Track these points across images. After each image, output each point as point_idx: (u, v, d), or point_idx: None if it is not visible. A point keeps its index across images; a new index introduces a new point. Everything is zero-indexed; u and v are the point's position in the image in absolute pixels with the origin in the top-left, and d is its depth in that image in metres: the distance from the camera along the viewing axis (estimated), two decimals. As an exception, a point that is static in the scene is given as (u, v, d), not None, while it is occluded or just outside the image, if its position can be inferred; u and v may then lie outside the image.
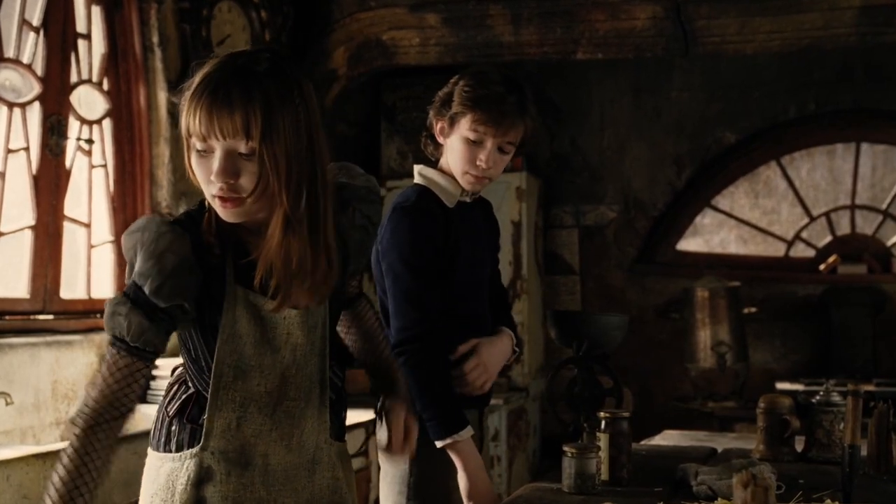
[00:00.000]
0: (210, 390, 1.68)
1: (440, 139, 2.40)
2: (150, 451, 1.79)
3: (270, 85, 1.58)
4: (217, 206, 1.61)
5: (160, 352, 1.67)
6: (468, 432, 2.24)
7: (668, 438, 3.39)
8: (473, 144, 2.32)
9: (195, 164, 1.61)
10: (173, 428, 1.73)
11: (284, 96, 1.59)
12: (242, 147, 1.57)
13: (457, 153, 2.34)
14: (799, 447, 2.67)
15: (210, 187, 1.60)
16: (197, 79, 1.60)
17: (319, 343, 1.77)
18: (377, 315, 2.13)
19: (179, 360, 1.80)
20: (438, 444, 2.24)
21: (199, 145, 1.58)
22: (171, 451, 1.72)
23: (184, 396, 1.74)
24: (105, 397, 1.61)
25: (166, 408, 1.76)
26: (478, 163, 2.32)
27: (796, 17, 4.35)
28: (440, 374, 2.29)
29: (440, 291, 2.34)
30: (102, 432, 1.61)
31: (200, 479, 1.69)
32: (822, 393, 2.65)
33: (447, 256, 2.35)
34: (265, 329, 1.68)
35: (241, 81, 1.57)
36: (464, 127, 2.31)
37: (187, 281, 1.61)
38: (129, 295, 1.62)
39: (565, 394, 2.59)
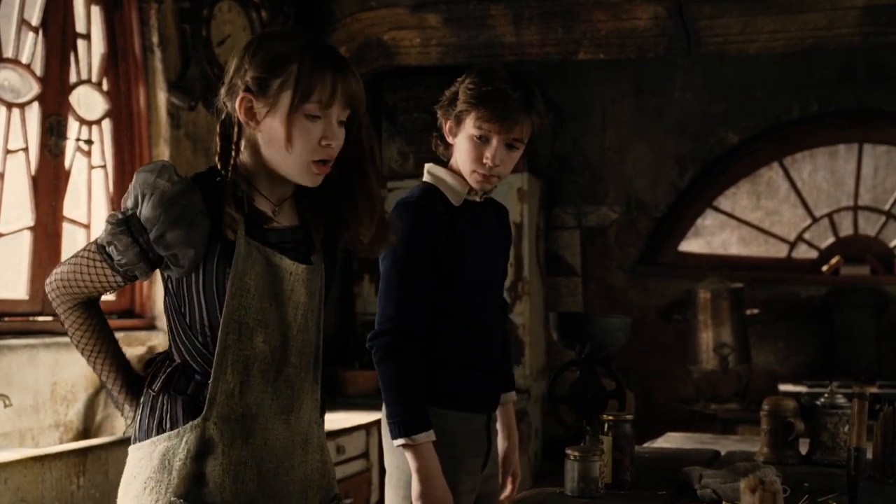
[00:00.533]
0: (216, 350, 1.67)
1: (449, 139, 2.38)
2: (132, 448, 1.76)
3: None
4: (311, 171, 1.70)
5: (136, 279, 1.75)
6: (427, 437, 2.19)
7: (670, 441, 3.38)
8: (479, 142, 2.29)
9: (302, 130, 1.67)
10: (163, 406, 1.72)
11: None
12: (343, 115, 1.71)
13: (464, 151, 2.32)
14: (803, 450, 2.65)
15: (313, 150, 1.68)
16: (297, 50, 1.67)
17: (316, 314, 1.80)
18: None
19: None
20: (395, 442, 2.21)
21: (315, 111, 1.67)
22: (164, 431, 1.70)
23: (168, 370, 1.74)
24: (80, 289, 1.75)
25: (150, 387, 1.76)
26: (484, 160, 2.29)
27: (799, 17, 4.34)
28: (409, 372, 2.25)
29: (440, 291, 2.31)
30: (86, 310, 1.79)
31: (200, 453, 1.67)
32: (826, 395, 2.63)
33: (452, 255, 2.32)
34: (272, 282, 1.71)
35: (340, 55, 1.73)
36: (469, 125, 2.30)
37: (191, 233, 1.65)
38: (132, 229, 1.67)
39: (568, 396, 2.57)
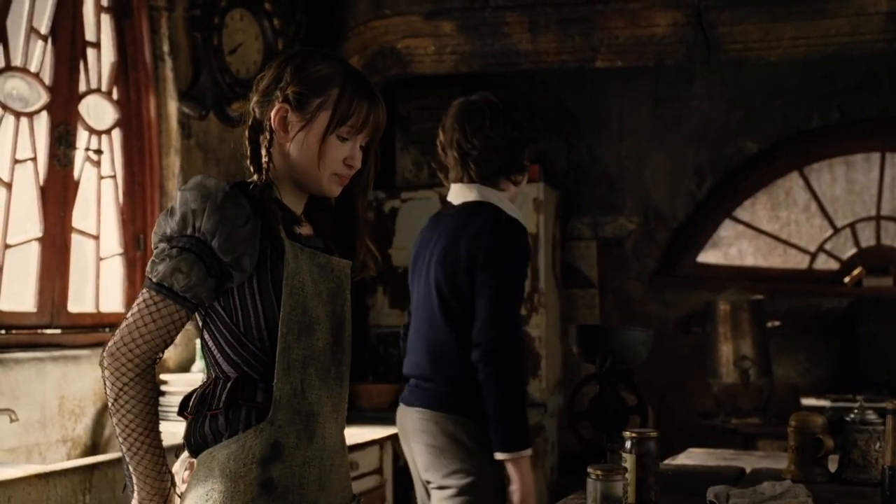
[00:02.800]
0: (278, 350, 1.70)
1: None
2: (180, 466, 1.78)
3: None
4: (332, 181, 1.82)
5: (198, 308, 1.73)
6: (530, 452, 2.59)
7: (693, 457, 3.29)
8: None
9: (333, 147, 1.78)
10: (220, 421, 1.71)
11: None
12: (365, 140, 1.84)
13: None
14: (831, 467, 2.56)
15: (337, 167, 1.80)
16: (340, 76, 1.80)
17: (349, 317, 1.87)
18: None
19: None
20: (513, 455, 2.63)
21: (346, 133, 1.79)
22: (223, 440, 1.69)
23: (229, 386, 1.72)
24: (147, 342, 1.67)
25: (208, 409, 1.72)
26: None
27: (822, 23, 4.25)
28: (522, 388, 2.66)
29: None
30: (151, 377, 1.69)
31: (267, 457, 1.67)
32: (856, 411, 2.54)
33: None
34: (319, 280, 1.78)
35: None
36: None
37: (249, 236, 1.70)
38: (190, 248, 1.67)
39: (587, 411, 2.50)
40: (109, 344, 1.69)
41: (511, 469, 2.65)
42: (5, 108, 3.33)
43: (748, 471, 2.80)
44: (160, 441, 1.72)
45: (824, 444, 2.52)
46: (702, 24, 4.34)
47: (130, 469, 1.72)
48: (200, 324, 1.78)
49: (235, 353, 1.74)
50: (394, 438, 4.14)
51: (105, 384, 1.69)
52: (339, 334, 1.83)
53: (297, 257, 1.74)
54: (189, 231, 1.68)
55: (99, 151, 3.72)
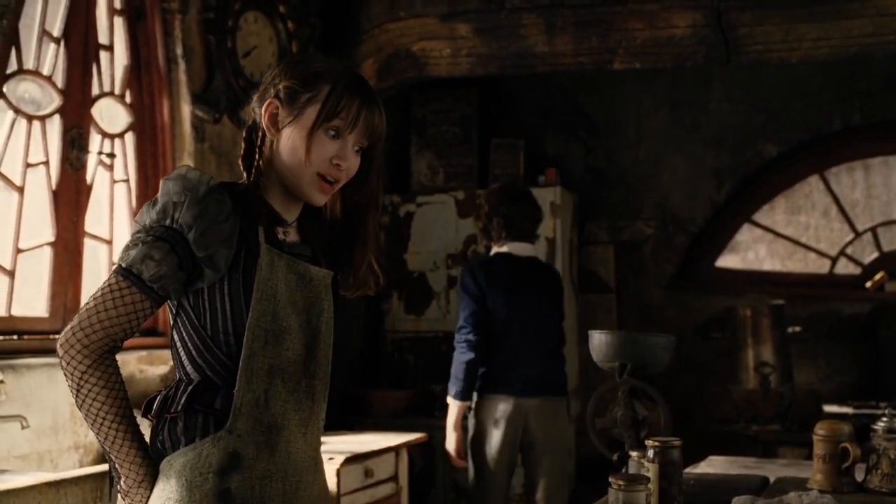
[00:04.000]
0: (242, 357, 1.63)
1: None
2: None
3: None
4: (317, 184, 1.73)
5: (165, 301, 1.66)
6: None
7: (714, 465, 3.23)
8: None
9: (318, 142, 1.71)
10: (178, 425, 1.65)
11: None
12: (360, 144, 1.76)
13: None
14: (858, 476, 2.50)
15: (323, 165, 1.72)
16: (333, 73, 1.74)
17: (330, 331, 1.80)
18: None
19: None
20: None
21: (336, 128, 1.72)
22: (180, 447, 1.63)
23: (189, 389, 1.65)
24: (105, 329, 1.61)
25: (168, 412, 1.66)
26: None
27: (844, 24, 4.18)
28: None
29: None
30: (111, 364, 1.63)
31: (224, 467, 1.61)
32: (885, 419, 2.48)
33: None
34: (295, 288, 1.72)
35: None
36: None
37: (227, 234, 1.64)
38: (165, 238, 1.62)
39: (608, 419, 2.44)
40: (65, 329, 1.63)
41: None
42: (18, 111, 3.31)
43: (772, 480, 2.73)
44: (136, 427, 1.66)
45: (851, 453, 2.45)
46: (721, 26, 4.28)
47: (112, 458, 1.67)
48: (171, 322, 1.71)
49: (200, 357, 1.67)
50: (409, 445, 4.09)
51: (64, 374, 1.63)
52: (314, 346, 1.75)
53: (272, 263, 1.68)
54: (167, 222, 1.63)
55: (112, 155, 3.69)
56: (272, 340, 1.67)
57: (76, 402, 1.64)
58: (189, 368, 1.69)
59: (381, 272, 1.89)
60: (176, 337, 1.70)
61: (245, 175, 1.75)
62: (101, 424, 1.63)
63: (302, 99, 1.72)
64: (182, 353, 1.69)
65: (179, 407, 1.65)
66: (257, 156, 1.74)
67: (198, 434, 1.63)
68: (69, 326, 1.62)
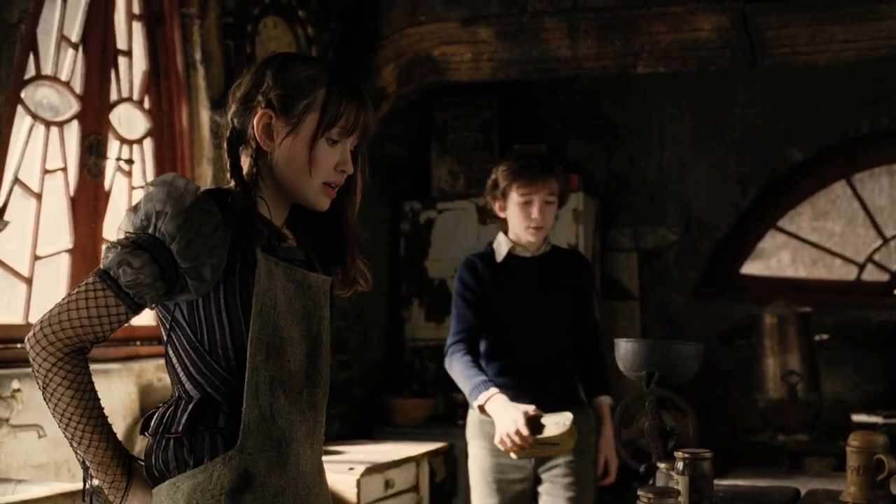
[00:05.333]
0: (247, 371, 1.58)
1: (501, 214, 3.17)
2: (154, 491, 1.63)
3: None
4: (322, 193, 1.70)
5: (142, 309, 1.61)
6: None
7: (742, 477, 3.16)
8: (525, 205, 3.08)
9: (323, 152, 1.67)
10: (184, 445, 1.60)
11: None
12: (354, 145, 1.73)
13: (514, 217, 3.12)
14: (893, 489, 2.43)
15: (328, 174, 1.69)
16: (326, 76, 1.68)
17: (328, 338, 1.76)
18: None
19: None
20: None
21: (336, 136, 1.68)
22: (188, 469, 1.58)
23: (190, 408, 1.61)
24: (74, 328, 1.56)
25: (168, 432, 1.60)
26: (533, 217, 3.07)
27: (872, 25, 4.10)
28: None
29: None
30: (78, 363, 1.58)
31: (236, 488, 1.57)
32: (921, 430, 2.41)
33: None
34: (294, 297, 1.67)
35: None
36: (514, 195, 3.09)
37: (214, 243, 1.58)
38: (146, 247, 1.56)
39: (635, 430, 2.38)
40: (35, 323, 1.59)
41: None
42: (35, 117, 3.29)
43: (803, 492, 2.67)
44: (107, 427, 1.63)
45: (887, 465, 2.38)
46: (747, 28, 4.21)
47: (81, 458, 1.63)
48: (164, 338, 1.66)
49: (199, 373, 1.62)
50: (430, 455, 4.03)
51: (32, 370, 1.60)
52: (315, 355, 1.71)
53: (271, 272, 1.62)
54: (150, 230, 1.57)
55: (130, 161, 3.67)
56: (274, 353, 1.62)
57: (44, 399, 1.60)
58: (188, 385, 1.63)
59: (367, 268, 1.82)
60: (171, 353, 1.64)
61: (234, 185, 1.67)
62: (69, 423, 1.60)
63: (299, 107, 1.65)
64: (179, 370, 1.64)
65: (181, 427, 1.60)
66: (255, 169, 1.66)
67: (206, 455, 1.58)
68: (38, 321, 1.59)
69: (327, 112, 1.66)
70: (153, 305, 1.62)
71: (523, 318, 3.12)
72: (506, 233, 3.19)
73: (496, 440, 2.88)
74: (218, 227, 1.58)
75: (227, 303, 1.60)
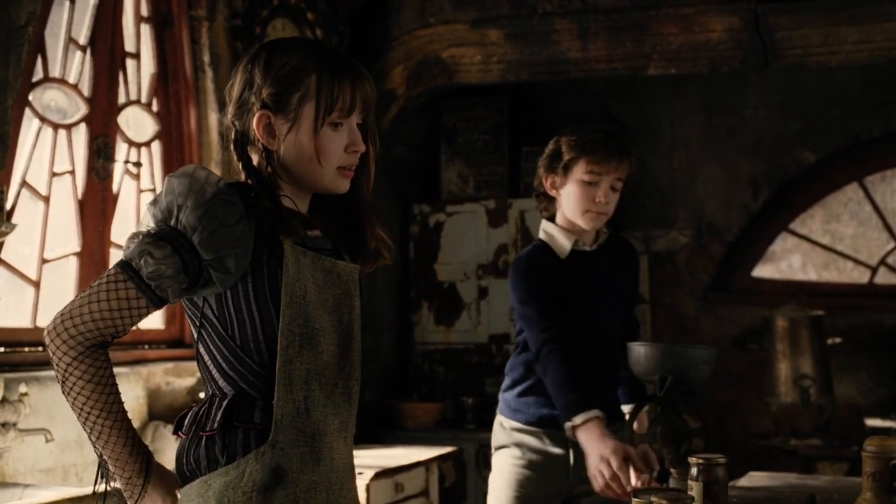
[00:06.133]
0: (278, 365, 1.56)
1: (553, 193, 2.67)
2: (181, 491, 1.60)
3: None
4: (339, 177, 1.67)
5: (164, 303, 1.57)
6: None
7: (755, 481, 3.12)
8: (589, 186, 2.59)
9: (328, 138, 1.64)
10: (218, 444, 1.56)
11: None
12: (360, 119, 1.68)
13: (574, 197, 2.61)
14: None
15: (340, 158, 1.65)
16: (313, 61, 1.63)
17: (359, 329, 1.73)
18: None
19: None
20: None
21: (337, 118, 1.63)
22: (219, 467, 1.55)
23: (224, 405, 1.57)
24: (94, 321, 1.52)
25: (202, 430, 1.58)
26: (597, 200, 2.60)
27: (886, 26, 4.07)
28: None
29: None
30: (98, 357, 1.55)
31: (268, 484, 1.54)
32: (937, 435, 2.37)
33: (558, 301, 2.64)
34: (324, 287, 1.64)
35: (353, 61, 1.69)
36: (579, 172, 2.59)
37: (239, 236, 1.54)
38: (167, 239, 1.53)
39: (648, 434, 2.36)
40: (55, 315, 1.56)
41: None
42: (43, 119, 3.28)
43: (818, 497, 2.63)
44: (126, 422, 1.59)
45: (903, 471, 2.35)
46: (759, 29, 4.18)
47: (104, 456, 1.60)
48: (195, 335, 1.63)
49: (231, 369, 1.59)
50: (440, 459, 4.01)
51: (52, 364, 1.56)
52: (348, 346, 1.67)
53: (298, 262, 1.59)
54: (172, 222, 1.54)
55: (138, 164, 3.66)
56: (308, 344, 1.59)
57: (63, 392, 1.56)
58: (221, 382, 1.60)
59: (388, 238, 1.79)
60: (203, 351, 1.61)
61: (252, 181, 1.64)
62: (87, 418, 1.56)
63: (293, 101, 1.61)
64: (212, 367, 1.61)
65: (216, 424, 1.57)
66: (269, 169, 1.63)
67: (239, 451, 1.55)
68: (58, 313, 1.55)
69: (322, 99, 1.61)
70: (174, 300, 1.58)
71: (588, 321, 2.68)
72: (552, 219, 2.71)
73: (590, 473, 2.42)
74: (241, 218, 1.55)
75: (256, 295, 1.57)
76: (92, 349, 1.54)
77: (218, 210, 1.53)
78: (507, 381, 2.75)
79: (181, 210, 1.53)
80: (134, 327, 1.59)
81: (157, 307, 1.57)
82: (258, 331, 1.57)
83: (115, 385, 1.58)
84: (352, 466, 1.72)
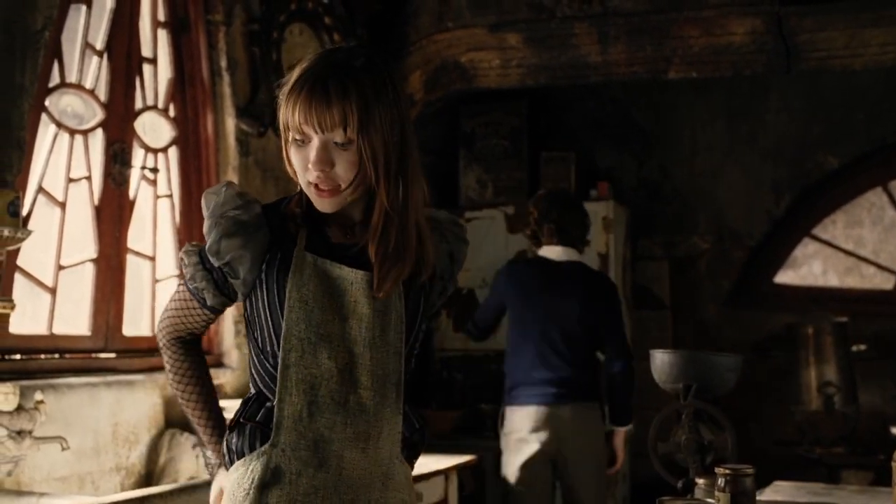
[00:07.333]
0: (279, 368, 1.63)
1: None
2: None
3: (366, 79, 1.63)
4: (313, 194, 1.66)
5: (215, 309, 1.76)
6: None
7: (781, 492, 3.06)
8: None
9: (293, 154, 1.66)
10: (234, 439, 1.69)
11: (379, 90, 1.64)
12: (339, 137, 1.62)
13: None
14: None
15: (307, 174, 1.65)
16: (295, 73, 1.65)
17: (395, 339, 1.71)
18: None
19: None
20: (628, 427, 3.94)
21: (297, 136, 1.64)
22: (235, 459, 1.68)
23: (242, 401, 1.72)
24: (170, 318, 1.80)
25: (229, 423, 1.74)
26: None
27: (911, 28, 4.00)
28: None
29: None
30: (179, 348, 1.82)
31: (265, 483, 1.62)
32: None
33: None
34: (332, 294, 1.67)
35: (337, 76, 1.62)
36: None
37: (245, 242, 1.66)
38: (199, 251, 1.74)
39: (671, 443, 2.31)
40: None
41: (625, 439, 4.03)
42: (60, 125, 3.25)
43: (847, 509, 2.57)
44: (206, 407, 1.83)
45: (935, 482, 2.29)
46: (782, 32, 4.12)
47: (195, 428, 1.84)
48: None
49: (254, 369, 1.71)
50: (459, 468, 3.96)
51: None
52: (357, 355, 1.66)
53: (303, 269, 1.65)
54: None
55: (155, 170, 3.63)
56: (309, 350, 1.64)
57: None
58: (251, 381, 1.72)
59: (429, 249, 1.74)
60: (248, 351, 1.76)
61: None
62: (175, 388, 1.83)
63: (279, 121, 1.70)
64: (250, 366, 1.74)
65: (233, 419, 1.70)
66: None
67: (246, 448, 1.65)
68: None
69: (280, 118, 1.66)
70: (215, 302, 1.75)
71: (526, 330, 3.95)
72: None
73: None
74: (249, 226, 1.66)
75: (268, 300, 1.66)
76: (174, 341, 1.81)
77: (226, 221, 1.67)
78: None
79: (204, 225, 1.70)
80: (209, 324, 1.81)
81: (212, 311, 1.77)
82: (272, 334, 1.66)
83: (197, 375, 1.82)
84: (387, 476, 1.70)
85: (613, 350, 3.82)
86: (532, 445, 3.74)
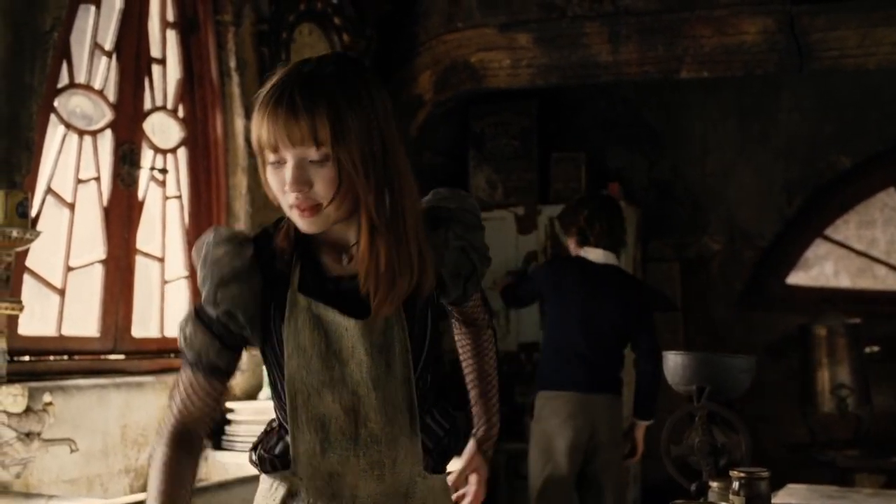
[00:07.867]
0: (288, 411, 1.62)
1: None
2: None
3: (336, 88, 1.53)
4: (295, 216, 1.57)
5: (223, 370, 1.64)
6: None
7: (794, 494, 3.04)
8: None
9: (270, 177, 1.57)
10: (259, 455, 1.71)
11: (352, 99, 1.54)
12: (313, 154, 1.52)
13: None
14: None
15: (286, 197, 1.56)
16: (264, 89, 1.57)
17: (402, 370, 1.66)
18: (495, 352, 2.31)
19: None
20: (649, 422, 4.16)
21: (271, 157, 1.54)
22: (266, 472, 1.70)
23: (266, 431, 1.71)
24: (171, 409, 1.64)
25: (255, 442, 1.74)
26: None
27: (925, 27, 3.97)
28: None
29: None
30: (183, 446, 1.63)
31: (289, 494, 1.65)
32: None
33: None
34: (329, 340, 1.61)
35: (305, 87, 1.52)
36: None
37: (241, 289, 1.59)
38: (195, 308, 1.65)
39: (684, 446, 2.29)
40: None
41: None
42: (68, 126, 3.25)
43: (862, 513, 2.54)
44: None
45: (952, 486, 2.27)
46: (794, 31, 4.09)
47: None
48: None
49: (275, 405, 1.69)
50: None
51: None
52: (362, 395, 1.62)
53: (296, 315, 1.59)
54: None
55: (164, 171, 3.62)
56: (314, 394, 1.62)
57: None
58: (273, 405, 1.71)
59: (391, 302, 1.61)
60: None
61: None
62: (155, 490, 1.62)
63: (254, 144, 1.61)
64: (271, 389, 1.73)
65: (253, 446, 1.71)
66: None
67: (269, 468, 1.68)
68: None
69: (253, 137, 1.57)
70: (213, 358, 1.65)
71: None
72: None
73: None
74: (241, 271, 1.59)
75: (269, 343, 1.63)
76: (176, 436, 1.63)
77: (214, 268, 1.59)
78: None
79: (197, 275, 1.64)
80: (218, 403, 1.67)
81: (217, 376, 1.64)
82: (279, 376, 1.64)
83: (186, 481, 1.64)
84: (408, 492, 1.67)
85: (645, 349, 4.10)
86: (567, 431, 3.93)
